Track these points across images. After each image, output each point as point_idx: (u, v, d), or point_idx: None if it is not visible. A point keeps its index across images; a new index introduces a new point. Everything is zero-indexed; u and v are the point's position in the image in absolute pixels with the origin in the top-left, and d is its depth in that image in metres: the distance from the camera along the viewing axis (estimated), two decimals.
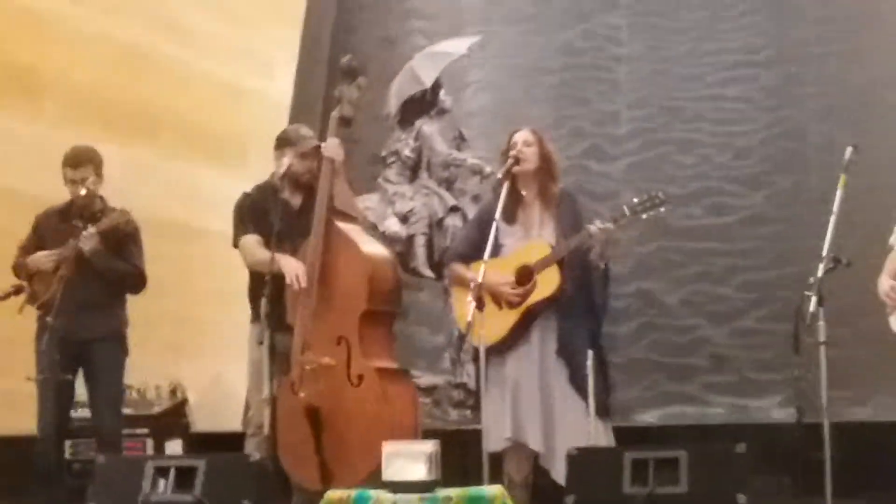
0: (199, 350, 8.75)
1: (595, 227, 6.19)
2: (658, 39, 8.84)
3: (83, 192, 6.62)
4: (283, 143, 6.51)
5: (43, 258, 6.59)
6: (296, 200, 6.48)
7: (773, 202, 8.30)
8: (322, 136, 6.47)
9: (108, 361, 6.75)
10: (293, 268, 6.14)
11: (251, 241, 6.39)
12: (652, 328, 8.41)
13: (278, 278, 6.08)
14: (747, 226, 8.37)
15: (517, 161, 6.32)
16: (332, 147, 6.32)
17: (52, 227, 6.78)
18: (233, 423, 7.67)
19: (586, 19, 9.05)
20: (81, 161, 6.70)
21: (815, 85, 8.35)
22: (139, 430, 7.69)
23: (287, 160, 6.41)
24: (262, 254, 6.23)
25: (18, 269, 6.67)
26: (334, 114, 6.42)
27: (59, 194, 6.77)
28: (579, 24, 9.05)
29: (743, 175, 8.45)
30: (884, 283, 6.36)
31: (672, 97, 8.71)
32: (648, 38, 8.89)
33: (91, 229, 6.53)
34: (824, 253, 5.85)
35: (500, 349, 6.23)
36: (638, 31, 8.92)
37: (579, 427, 6.00)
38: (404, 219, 9.07)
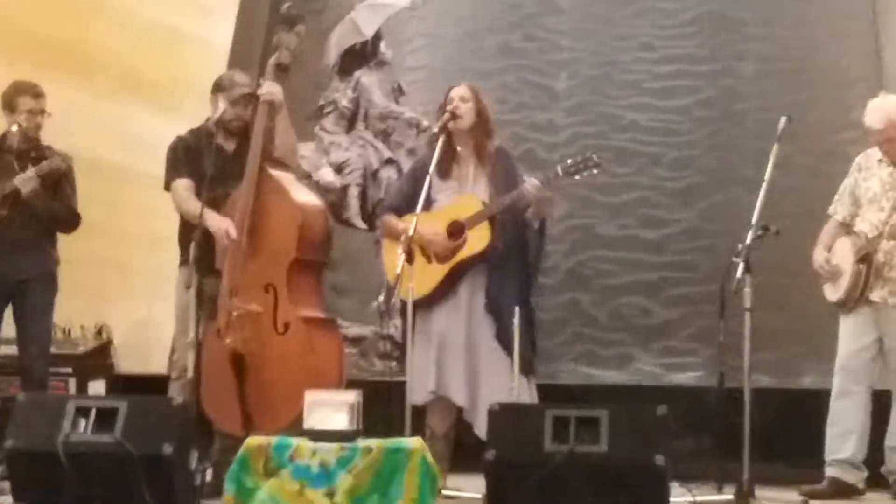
0: (126, 292, 8.65)
1: (528, 185, 6.19)
2: (599, 46, 8.71)
3: (15, 127, 6.57)
4: (216, 88, 6.46)
5: None
6: (230, 145, 6.42)
7: (706, 216, 8.23)
8: (259, 83, 6.41)
9: (40, 301, 6.74)
10: (221, 225, 6.09)
11: (182, 186, 6.32)
12: (581, 340, 8.31)
13: None
14: (679, 239, 8.29)
15: (453, 116, 6.31)
16: (270, 89, 6.26)
17: None
18: (158, 366, 7.61)
19: (526, 23, 8.92)
20: (40, 92, 6.65)
21: (753, 100, 8.28)
22: (63, 370, 7.62)
23: (222, 105, 6.36)
24: (192, 205, 6.17)
25: None
26: (271, 61, 6.40)
27: None
28: (519, 29, 8.93)
29: (677, 188, 8.35)
30: (818, 255, 6.44)
31: (610, 105, 8.56)
32: (590, 44, 8.75)
33: (30, 172, 6.49)
34: (754, 220, 5.89)
35: (428, 302, 6.26)
36: (579, 36, 8.80)
37: (503, 383, 6.02)
38: (339, 169, 9.01)
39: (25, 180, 6.46)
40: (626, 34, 8.65)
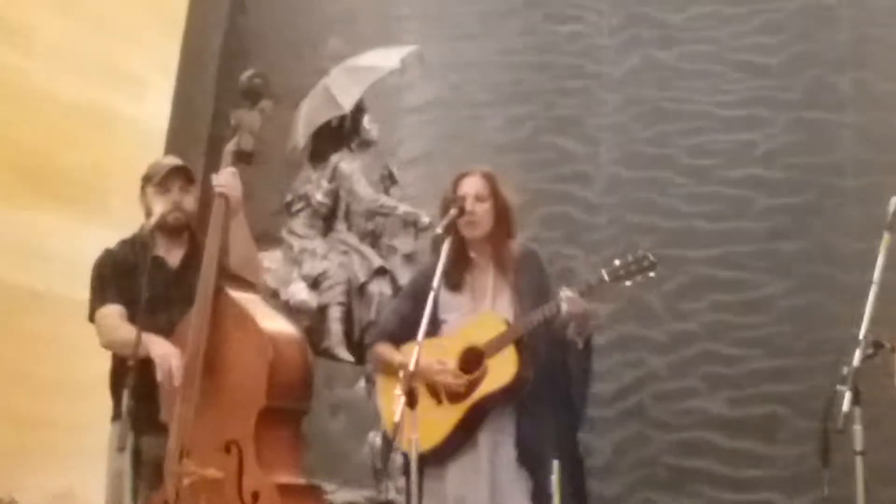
0: (41, 457, 8.66)
1: (565, 296, 6.19)
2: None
3: None
4: (143, 182, 6.52)
5: None
6: (173, 258, 6.48)
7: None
8: (210, 173, 6.45)
9: None
10: (166, 355, 6.10)
11: (112, 313, 6.35)
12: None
13: (146, 363, 6.05)
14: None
15: (461, 213, 6.32)
16: (226, 179, 6.30)
17: None
18: None
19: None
20: None
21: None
22: None
23: (159, 208, 6.39)
24: (125, 332, 6.17)
25: None
26: (230, 147, 6.44)
27: None
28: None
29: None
30: None
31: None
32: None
33: None
34: (861, 335, 5.92)
35: (439, 457, 6.25)
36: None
37: None
38: (315, 284, 9.02)
39: None
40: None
